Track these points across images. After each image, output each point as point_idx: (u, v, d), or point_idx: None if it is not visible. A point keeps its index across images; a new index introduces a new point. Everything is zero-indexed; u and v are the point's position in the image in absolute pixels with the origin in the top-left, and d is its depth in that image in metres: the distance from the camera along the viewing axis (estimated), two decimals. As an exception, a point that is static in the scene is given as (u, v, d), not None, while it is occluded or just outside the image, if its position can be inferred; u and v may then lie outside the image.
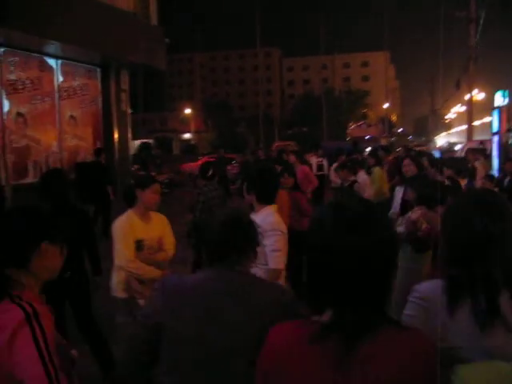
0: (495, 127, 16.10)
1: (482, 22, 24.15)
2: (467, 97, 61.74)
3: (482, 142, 16.24)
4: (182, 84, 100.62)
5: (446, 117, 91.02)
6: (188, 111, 70.10)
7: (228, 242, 2.22)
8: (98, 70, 17.24)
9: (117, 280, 4.51)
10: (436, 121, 78.04)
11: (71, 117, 16.36)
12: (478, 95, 64.89)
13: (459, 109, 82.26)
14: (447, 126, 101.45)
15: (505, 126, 15.72)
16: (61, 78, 15.81)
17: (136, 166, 21.75)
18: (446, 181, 6.70)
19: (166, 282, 2.27)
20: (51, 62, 15.44)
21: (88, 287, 4.68)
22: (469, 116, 27.68)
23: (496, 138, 16.00)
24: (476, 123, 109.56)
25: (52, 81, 15.47)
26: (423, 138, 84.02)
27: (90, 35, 14.14)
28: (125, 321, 4.34)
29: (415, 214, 5.02)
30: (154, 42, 17.20)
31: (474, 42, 26.67)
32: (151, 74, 42.41)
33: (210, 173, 6.86)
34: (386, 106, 67.30)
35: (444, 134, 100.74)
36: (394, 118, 62.72)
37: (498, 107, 16.30)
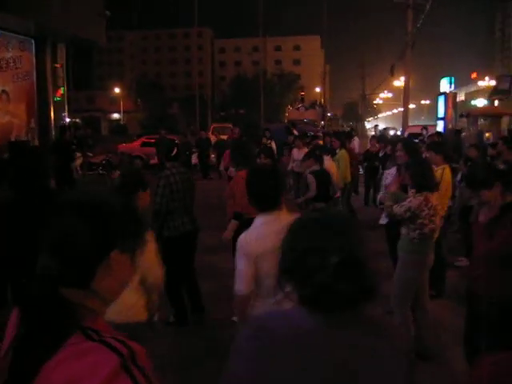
0: (441, 113, 16.33)
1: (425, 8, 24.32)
2: (398, 83, 63.42)
3: (424, 127, 16.38)
4: (111, 62, 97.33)
5: (374, 102, 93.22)
6: (118, 90, 67.90)
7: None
8: (33, 41, 16.02)
9: (134, 301, 3.46)
10: (365, 106, 79.60)
11: (3, 91, 15.14)
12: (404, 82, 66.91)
13: (386, 95, 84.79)
14: (375, 112, 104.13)
15: (451, 112, 15.94)
16: (-8, 49, 14.57)
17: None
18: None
19: (261, 325, 1.59)
20: (-19, 30, 14.18)
21: None
22: (405, 99, 27.99)
23: (441, 124, 16.24)
24: (401, 109, 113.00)
25: (-18, 51, 14.23)
26: (350, 123, 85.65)
27: (24, 2, 13.02)
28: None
29: (416, 200, 4.75)
30: (93, 13, 16.15)
31: (411, 28, 27.05)
32: (80, 50, 40.51)
33: (175, 152, 6.18)
34: (318, 89, 67.92)
35: (371, 118, 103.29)
36: (321, 101, 63.22)
37: (443, 93, 16.51)
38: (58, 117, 16.70)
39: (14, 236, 3.75)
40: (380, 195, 6.60)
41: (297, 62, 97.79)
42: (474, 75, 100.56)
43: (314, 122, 32.07)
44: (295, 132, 18.41)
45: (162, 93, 75.77)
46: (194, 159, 20.69)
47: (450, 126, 15.78)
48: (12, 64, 15.40)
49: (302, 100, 36.12)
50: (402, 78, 61.49)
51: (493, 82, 60.83)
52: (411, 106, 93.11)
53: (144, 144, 24.09)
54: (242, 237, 3.20)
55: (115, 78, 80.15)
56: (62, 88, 17.28)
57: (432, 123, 56.85)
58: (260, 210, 3.26)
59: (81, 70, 69.51)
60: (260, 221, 3.25)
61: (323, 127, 33.62)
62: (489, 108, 15.51)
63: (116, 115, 71.20)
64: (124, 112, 68.89)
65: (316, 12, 64.08)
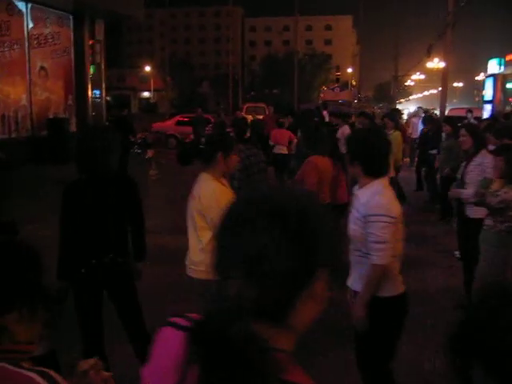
0: (488, 95, 15.66)
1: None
2: (431, 64, 62.18)
3: (469, 110, 15.73)
4: (141, 40, 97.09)
5: (406, 84, 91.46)
6: (148, 69, 67.69)
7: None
8: (71, 17, 15.78)
9: (204, 257, 3.47)
10: (397, 87, 78.11)
11: (41, 68, 14.96)
12: (440, 63, 65.49)
13: (418, 77, 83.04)
14: (407, 93, 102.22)
15: (499, 95, 15.27)
16: (31, 24, 14.35)
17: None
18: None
19: None
20: (20, 4, 13.95)
21: (132, 274, 3.75)
22: (444, 81, 27.14)
23: (489, 107, 15.59)
24: (433, 91, 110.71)
25: (22, 26, 14.01)
26: (380, 104, 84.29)
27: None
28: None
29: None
30: (131, -12, 15.82)
31: (452, 7, 26.17)
32: (110, 28, 40.21)
33: (248, 134, 5.95)
34: (349, 70, 66.80)
35: (403, 100, 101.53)
36: (354, 82, 62.34)
37: (492, 75, 15.82)
38: (96, 94, 16.50)
39: (78, 217, 3.51)
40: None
41: (328, 42, 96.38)
42: (509, 57, 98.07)
43: (349, 102, 31.46)
44: (325, 114, 17.63)
45: (191, 71, 75.48)
46: (230, 139, 20.36)
47: (498, 110, 15.14)
48: (50, 40, 15.21)
49: (338, 80, 35.44)
50: (436, 60, 60.33)
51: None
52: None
53: (179, 123, 23.83)
54: (383, 201, 3.08)
55: (145, 56, 79.97)
56: (91, 66, 16.92)
57: (463, 106, 55.51)
58: (374, 175, 3.15)
59: (110, 48, 69.44)
60: (381, 184, 3.15)
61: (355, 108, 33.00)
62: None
63: (146, 94, 71.12)
64: (154, 90, 68.76)
65: (350, -10, 62.89)
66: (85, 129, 3.64)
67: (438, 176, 10.25)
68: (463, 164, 5.80)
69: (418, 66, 67.35)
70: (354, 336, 3.43)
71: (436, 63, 60.17)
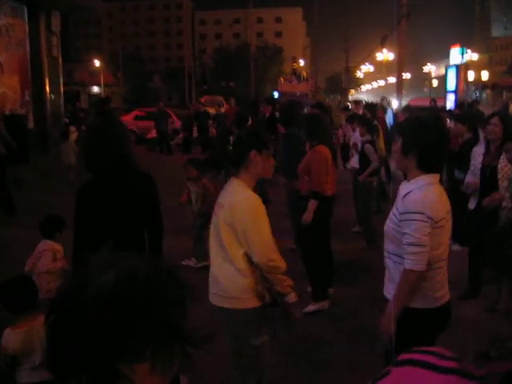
0: (451, 85, 15.81)
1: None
2: (381, 56, 63.12)
3: (434, 100, 15.84)
4: (88, 35, 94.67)
5: (355, 75, 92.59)
6: (98, 63, 66.13)
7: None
8: (25, 8, 15.04)
9: (246, 283, 3.07)
10: (349, 79, 78.94)
11: (-4, 61, 14.23)
12: (389, 55, 66.86)
13: (368, 68, 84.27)
14: (357, 85, 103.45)
15: (463, 84, 15.44)
16: (-17, 16, 13.62)
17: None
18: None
19: None
20: (-28, -5, 13.21)
21: None
22: (399, 70, 27.43)
23: (452, 97, 15.75)
24: (381, 83, 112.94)
25: (-26, 18, 13.28)
26: (331, 96, 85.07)
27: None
28: (264, 340, 3.17)
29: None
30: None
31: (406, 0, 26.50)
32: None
33: (250, 122, 5.72)
34: (301, 62, 66.98)
35: (353, 91, 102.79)
36: (305, 74, 62.58)
37: (455, 65, 16.00)
38: (54, 89, 15.82)
39: (91, 223, 3.18)
40: (468, 178, 5.78)
41: (278, 35, 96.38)
42: (453, 48, 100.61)
43: (306, 94, 31.45)
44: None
45: (141, 66, 74.21)
46: (194, 132, 20.01)
47: (461, 99, 15.29)
48: (4, 32, 14.47)
49: (295, 73, 35.36)
50: (385, 51, 61.28)
51: (475, 56, 60.61)
52: (392, 79, 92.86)
53: (137, 117, 23.26)
54: (421, 197, 2.73)
55: (94, 50, 78.09)
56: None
57: (415, 96, 56.33)
58: (425, 170, 2.79)
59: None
60: (425, 181, 2.78)
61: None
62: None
63: (96, 89, 69.46)
64: (104, 85, 67.23)
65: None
66: (94, 127, 3.18)
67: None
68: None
69: (367, 57, 68.32)
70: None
71: (385, 54, 61.30)
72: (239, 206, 3.04)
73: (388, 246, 2.91)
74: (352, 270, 6.62)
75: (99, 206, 3.19)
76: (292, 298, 3.12)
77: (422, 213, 2.69)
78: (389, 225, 2.90)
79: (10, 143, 9.66)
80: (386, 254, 2.95)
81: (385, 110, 14.30)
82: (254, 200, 3.07)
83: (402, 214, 2.76)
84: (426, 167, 2.81)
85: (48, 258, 4.24)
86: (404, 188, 2.88)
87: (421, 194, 2.76)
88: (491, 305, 5.36)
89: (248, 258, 3.03)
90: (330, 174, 5.37)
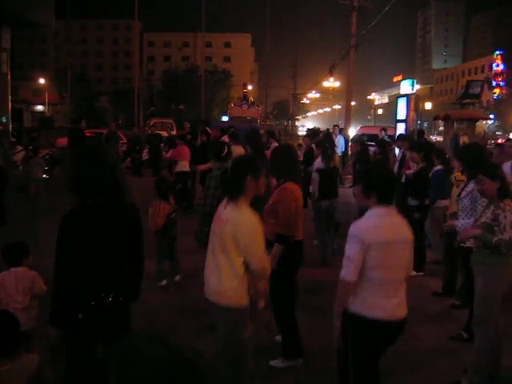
0: (402, 115, 16.29)
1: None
2: (328, 83, 64.34)
3: (384, 129, 16.26)
4: (32, 52, 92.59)
5: (301, 101, 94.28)
6: (42, 81, 64.70)
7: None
8: (-26, 23, 14.58)
9: (237, 284, 3.58)
10: (296, 105, 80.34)
11: None
12: (335, 83, 68.65)
13: (314, 95, 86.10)
14: (304, 111, 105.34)
15: (412, 114, 15.94)
16: None
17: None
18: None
19: None
20: None
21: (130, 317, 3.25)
22: (348, 98, 28.08)
23: (402, 126, 16.21)
24: (327, 109, 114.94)
25: None
26: (277, 122, 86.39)
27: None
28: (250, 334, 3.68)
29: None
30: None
31: (355, 30, 27.27)
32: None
33: (225, 152, 5.64)
34: (249, 87, 67.65)
35: (300, 117, 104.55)
36: (252, 99, 63.23)
37: (405, 94, 16.51)
38: (1, 107, 15.32)
39: (77, 251, 3.04)
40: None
41: (227, 59, 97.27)
42: (396, 78, 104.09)
43: (256, 119, 31.71)
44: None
45: (88, 85, 73.10)
46: (145, 155, 19.74)
47: (411, 129, 15.77)
48: (-49, 47, 13.96)
49: (245, 97, 35.60)
50: (331, 79, 62.60)
51: (417, 87, 62.92)
52: (337, 106, 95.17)
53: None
54: (357, 224, 3.35)
55: (38, 68, 76.48)
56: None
57: (357, 124, 57.58)
58: (377, 202, 3.38)
59: None
60: (374, 212, 3.39)
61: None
62: (470, 111, 15.59)
63: (40, 107, 67.86)
64: (49, 104, 65.78)
65: (248, 10, 64.14)
66: (79, 151, 2.99)
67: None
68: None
69: (314, 84, 69.84)
70: None
71: (332, 82, 62.90)
72: (243, 224, 3.52)
73: None
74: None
75: (88, 232, 3.05)
76: (262, 304, 3.80)
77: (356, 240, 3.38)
78: None
79: None
80: None
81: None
82: (255, 218, 3.55)
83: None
84: (379, 199, 3.43)
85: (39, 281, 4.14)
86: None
87: (361, 222, 3.48)
88: (458, 334, 5.45)
89: (245, 264, 3.54)
90: (300, 216, 4.83)
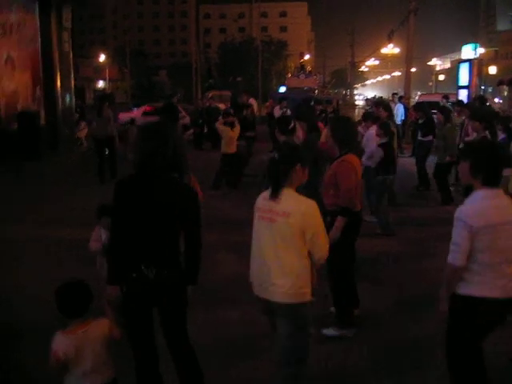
0: (464, 81, 15.74)
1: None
2: (387, 50, 62.82)
3: (446, 96, 15.73)
4: (92, 30, 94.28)
5: (359, 69, 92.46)
6: (103, 58, 66.04)
7: None
8: (37, 3, 15.01)
9: (308, 277, 3.49)
10: (354, 73, 78.76)
11: (8, 58, 14.21)
12: (394, 49, 66.62)
13: (373, 62, 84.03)
14: (362, 79, 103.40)
15: (475, 80, 15.37)
16: (-5, 12, 13.59)
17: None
18: None
19: None
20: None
21: (184, 289, 3.32)
22: (408, 64, 27.25)
23: (465, 92, 15.68)
24: (386, 77, 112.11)
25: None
26: (336, 90, 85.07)
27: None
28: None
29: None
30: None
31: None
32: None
33: (292, 125, 5.69)
34: (307, 57, 66.78)
35: (359, 85, 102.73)
36: (310, 68, 62.41)
37: (467, 59, 15.92)
38: (65, 85, 15.80)
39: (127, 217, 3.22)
40: None
41: (283, 29, 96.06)
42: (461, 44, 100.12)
43: (314, 89, 31.40)
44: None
45: (146, 61, 74.10)
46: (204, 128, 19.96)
47: (473, 95, 15.21)
48: (16, 28, 14.44)
49: (302, 67, 35.27)
50: (390, 46, 60.86)
51: (481, 50, 60.28)
52: (397, 73, 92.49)
53: (146, 113, 23.19)
54: (463, 209, 3.28)
55: (98, 45, 77.99)
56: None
57: (417, 91, 55.73)
58: (482, 184, 3.28)
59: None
60: (480, 195, 3.30)
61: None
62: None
63: (101, 84, 69.48)
64: (110, 80, 67.24)
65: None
66: (147, 127, 3.14)
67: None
68: None
69: (372, 51, 68.05)
70: None
71: (390, 49, 61.05)
72: (309, 215, 3.39)
73: None
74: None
75: (135, 201, 3.19)
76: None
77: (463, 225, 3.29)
78: None
79: None
80: None
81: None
82: (316, 206, 3.44)
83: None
84: (485, 181, 3.31)
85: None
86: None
87: (467, 206, 3.37)
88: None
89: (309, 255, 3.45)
90: (359, 188, 4.87)
